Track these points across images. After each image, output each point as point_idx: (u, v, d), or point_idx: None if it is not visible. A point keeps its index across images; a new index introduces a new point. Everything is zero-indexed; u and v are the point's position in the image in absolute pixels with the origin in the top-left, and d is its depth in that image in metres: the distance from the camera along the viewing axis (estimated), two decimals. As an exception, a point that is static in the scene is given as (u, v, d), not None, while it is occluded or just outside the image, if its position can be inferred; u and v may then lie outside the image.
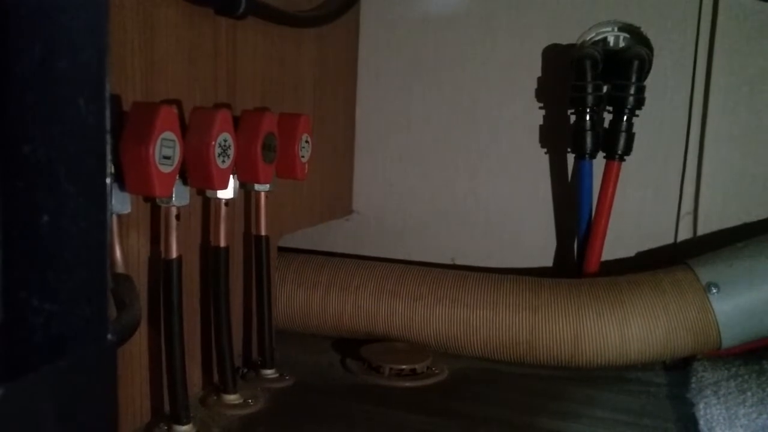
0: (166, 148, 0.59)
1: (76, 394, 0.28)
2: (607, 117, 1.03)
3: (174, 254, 0.67)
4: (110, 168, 0.29)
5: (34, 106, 0.25)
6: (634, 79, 0.97)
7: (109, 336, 0.29)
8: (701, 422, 0.76)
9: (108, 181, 0.28)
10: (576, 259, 1.08)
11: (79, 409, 0.28)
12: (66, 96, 0.26)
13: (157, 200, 0.66)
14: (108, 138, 0.28)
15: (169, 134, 0.59)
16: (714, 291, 0.89)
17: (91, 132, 0.27)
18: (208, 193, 0.73)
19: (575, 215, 1.06)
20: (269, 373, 0.85)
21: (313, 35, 0.99)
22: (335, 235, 1.19)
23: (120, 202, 0.61)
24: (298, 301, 0.99)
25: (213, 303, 0.77)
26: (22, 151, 0.25)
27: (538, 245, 1.11)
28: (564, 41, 1.07)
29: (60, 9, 0.25)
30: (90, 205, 0.28)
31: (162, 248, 0.68)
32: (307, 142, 0.83)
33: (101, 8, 0.27)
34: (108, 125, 0.27)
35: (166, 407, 0.71)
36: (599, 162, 1.03)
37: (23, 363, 0.25)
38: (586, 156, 1.03)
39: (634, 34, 1.04)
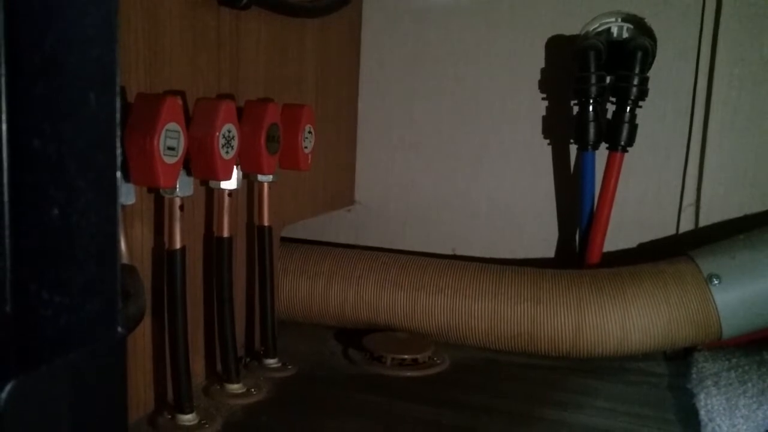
0: (170, 139, 0.59)
1: (87, 386, 0.28)
2: (610, 108, 1.02)
3: (178, 245, 0.67)
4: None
5: (45, 100, 0.25)
6: (637, 70, 0.97)
7: (119, 329, 0.29)
8: (702, 412, 0.77)
9: (118, 174, 0.28)
10: (578, 250, 1.08)
11: (90, 400, 0.28)
12: (77, 90, 0.26)
13: (161, 191, 0.66)
14: (118, 132, 0.28)
15: (173, 125, 0.60)
16: (715, 282, 0.89)
17: (102, 126, 0.27)
18: (212, 183, 0.73)
19: (577, 206, 1.07)
20: (272, 362, 0.85)
21: (316, 26, 0.99)
22: (338, 226, 1.19)
23: (124, 193, 0.61)
24: (300, 291, 1.00)
25: (216, 293, 0.77)
26: (32, 145, 0.25)
27: (540, 236, 1.12)
28: (567, 32, 1.06)
29: (70, 3, 0.25)
30: (100, 199, 0.28)
31: (166, 239, 0.69)
32: (310, 132, 0.83)
33: (111, 2, 0.27)
34: (118, 119, 0.28)
35: (170, 396, 0.71)
36: (602, 153, 1.03)
37: (35, 356, 0.26)
38: (589, 147, 1.03)
39: (638, 24, 1.03)
